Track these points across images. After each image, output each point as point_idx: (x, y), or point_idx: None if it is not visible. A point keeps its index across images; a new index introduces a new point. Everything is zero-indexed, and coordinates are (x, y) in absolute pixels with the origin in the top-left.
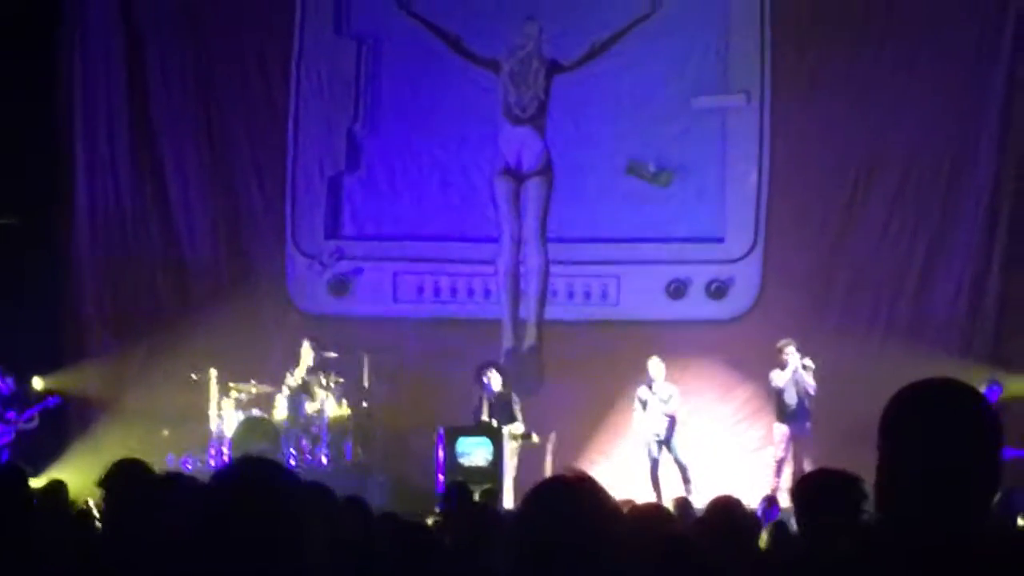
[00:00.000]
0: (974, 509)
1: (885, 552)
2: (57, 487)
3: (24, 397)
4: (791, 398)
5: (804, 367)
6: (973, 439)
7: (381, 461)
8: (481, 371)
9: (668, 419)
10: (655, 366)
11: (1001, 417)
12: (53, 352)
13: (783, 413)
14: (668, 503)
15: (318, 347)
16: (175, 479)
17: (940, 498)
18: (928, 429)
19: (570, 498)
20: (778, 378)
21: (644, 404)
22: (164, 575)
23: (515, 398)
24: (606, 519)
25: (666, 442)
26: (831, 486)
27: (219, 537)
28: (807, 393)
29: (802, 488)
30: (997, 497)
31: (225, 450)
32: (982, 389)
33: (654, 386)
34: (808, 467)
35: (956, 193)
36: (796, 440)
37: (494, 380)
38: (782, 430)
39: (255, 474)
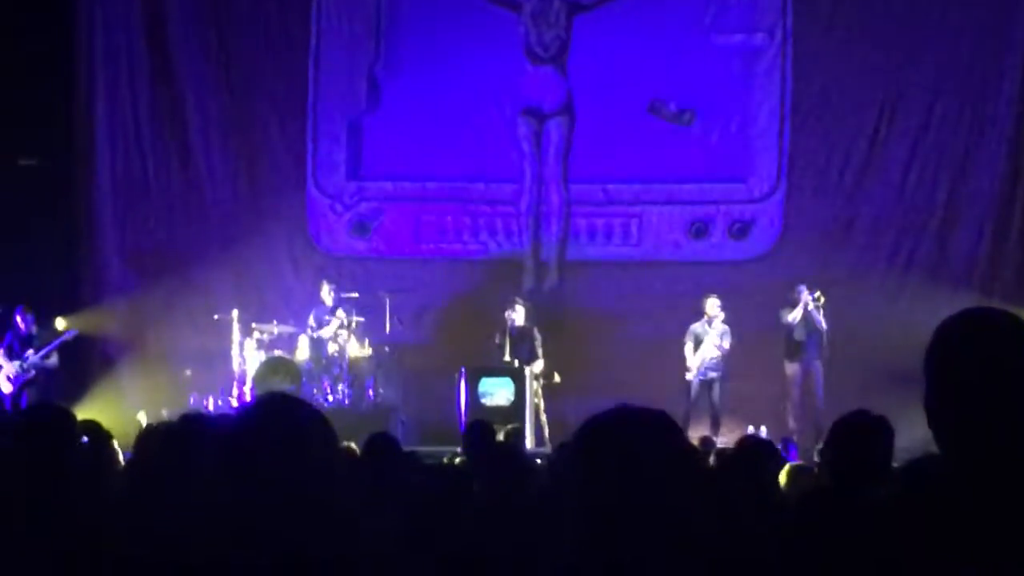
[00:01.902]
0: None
1: (949, 487)
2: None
3: (43, 336)
4: (800, 335)
5: (815, 304)
6: (1019, 367)
7: (403, 401)
8: (506, 305)
9: (722, 357)
10: (712, 304)
11: None
12: (75, 292)
13: (791, 351)
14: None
15: (337, 288)
16: (198, 419)
17: (994, 431)
18: (983, 357)
19: (642, 433)
20: (787, 315)
21: (698, 340)
22: (193, 510)
23: (537, 334)
24: (682, 456)
25: (718, 381)
26: (864, 428)
27: (245, 471)
28: (817, 330)
29: (834, 431)
30: None
31: (247, 390)
32: None
33: (713, 323)
34: (820, 405)
35: (978, 134)
36: (806, 377)
37: (518, 314)
38: (792, 368)
39: (280, 409)
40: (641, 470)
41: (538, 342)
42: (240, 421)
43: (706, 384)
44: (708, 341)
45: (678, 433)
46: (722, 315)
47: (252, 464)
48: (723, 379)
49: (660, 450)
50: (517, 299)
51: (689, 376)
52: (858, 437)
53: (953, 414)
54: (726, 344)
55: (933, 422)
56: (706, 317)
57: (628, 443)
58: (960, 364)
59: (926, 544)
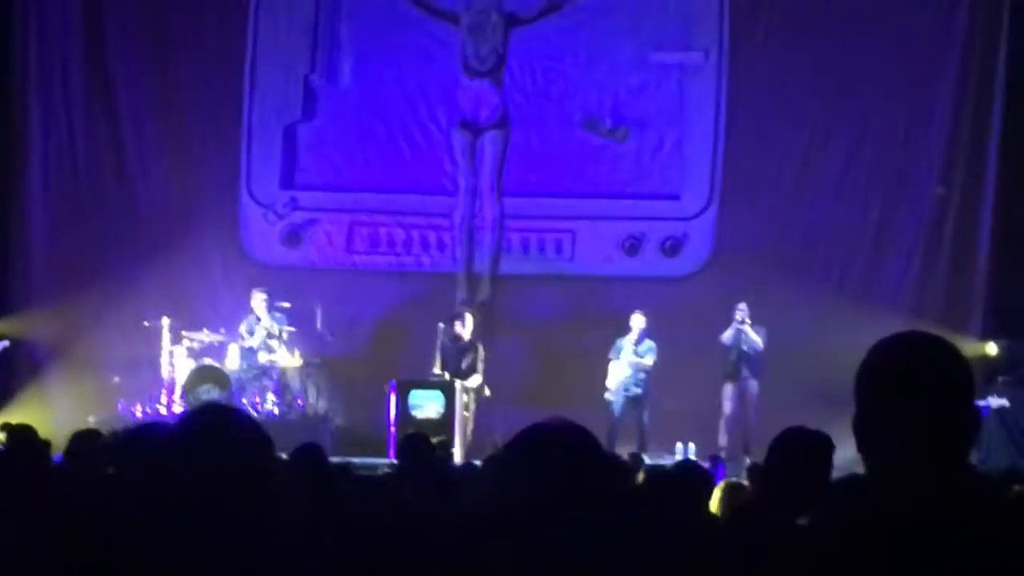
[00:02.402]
0: (956, 462)
1: (874, 511)
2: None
3: None
4: (734, 354)
5: (747, 326)
6: (952, 392)
7: (332, 412)
8: (454, 316)
9: (643, 374)
10: (636, 319)
11: None
12: (3, 298)
13: (726, 370)
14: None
15: (269, 297)
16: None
17: (922, 453)
18: (908, 383)
19: (561, 445)
20: (723, 336)
21: (618, 353)
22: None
23: (480, 349)
24: (598, 468)
25: (639, 399)
26: (800, 446)
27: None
28: (748, 352)
29: (772, 448)
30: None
31: (176, 398)
32: None
33: (632, 337)
34: (752, 424)
35: (911, 157)
36: (741, 398)
37: (467, 326)
38: (728, 387)
39: (217, 420)
40: (560, 485)
41: (480, 357)
42: (180, 430)
43: (631, 400)
44: (625, 356)
45: (597, 449)
46: (643, 329)
47: (192, 473)
48: (647, 396)
49: (579, 466)
50: (467, 310)
51: (608, 395)
52: (799, 453)
53: (880, 438)
54: (645, 361)
55: (861, 445)
56: (634, 333)
57: (548, 458)
58: (888, 388)
59: (851, 567)
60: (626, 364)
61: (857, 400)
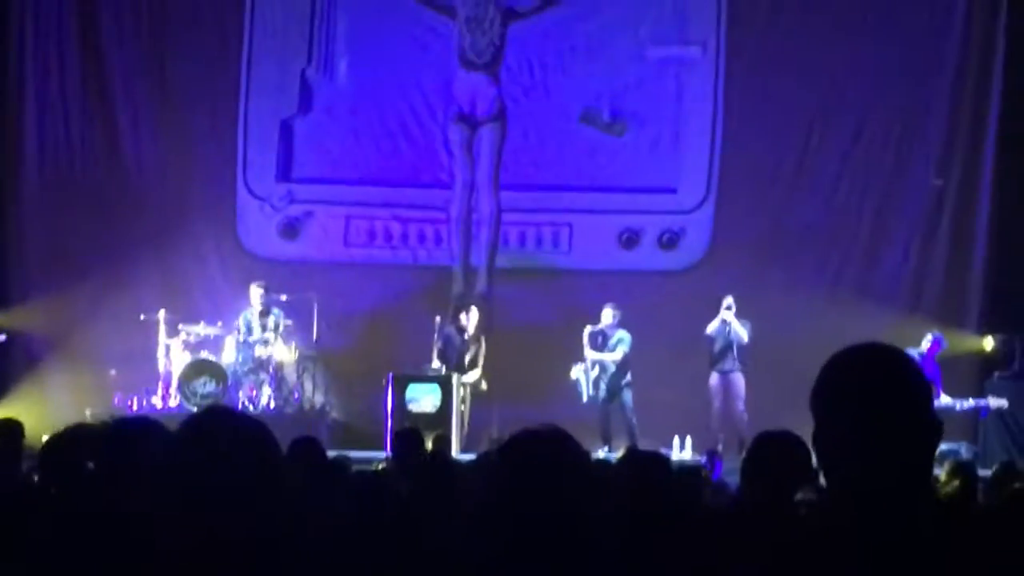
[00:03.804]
0: (912, 472)
1: (825, 525)
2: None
3: None
4: (718, 345)
5: (731, 314)
6: (902, 402)
7: (329, 405)
8: (461, 307)
9: (613, 368)
10: (606, 312)
11: (944, 370)
12: (1, 290)
13: (711, 361)
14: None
15: (267, 291)
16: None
17: (875, 465)
18: (857, 396)
19: (546, 451)
20: (709, 327)
21: (586, 344)
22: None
23: (483, 343)
24: (582, 473)
25: (613, 393)
26: (777, 449)
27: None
28: (733, 343)
29: (749, 450)
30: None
31: (173, 391)
32: (925, 342)
33: (601, 328)
34: (742, 416)
35: (907, 151)
36: (726, 388)
37: (472, 319)
38: (713, 378)
39: (224, 419)
40: (545, 489)
41: (482, 351)
42: (186, 431)
43: (606, 395)
44: (593, 348)
45: (579, 454)
46: (612, 321)
47: (198, 472)
48: (623, 389)
49: (562, 472)
50: (473, 303)
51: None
52: (771, 454)
53: (837, 452)
54: (615, 354)
55: (820, 459)
56: (597, 327)
57: (531, 466)
58: (842, 402)
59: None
60: (589, 362)
61: (814, 415)
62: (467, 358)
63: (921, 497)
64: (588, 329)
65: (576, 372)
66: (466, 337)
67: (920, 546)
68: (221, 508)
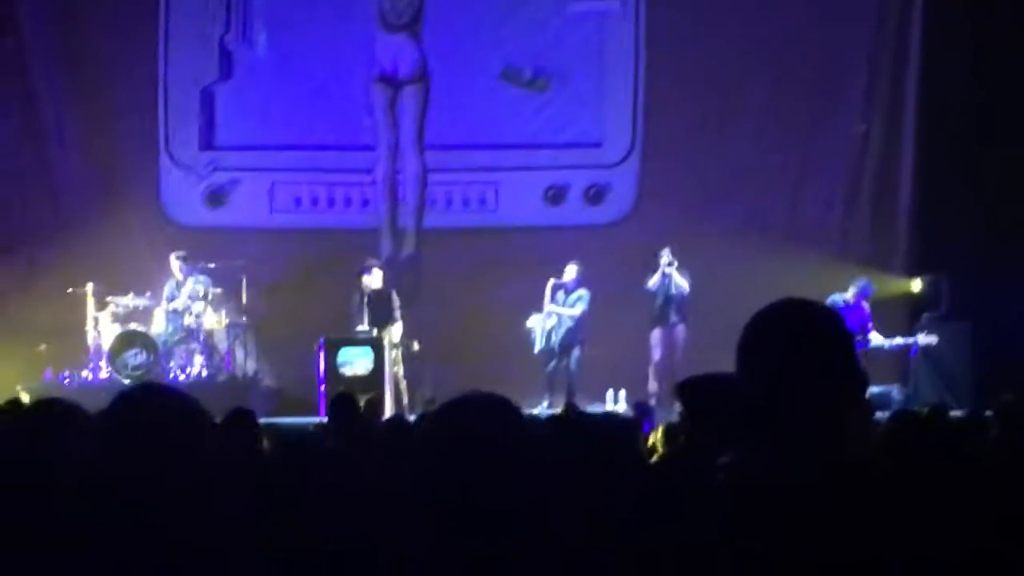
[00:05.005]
0: (831, 425)
1: (750, 482)
2: None
3: None
4: (659, 299)
5: (671, 268)
6: (821, 356)
7: (261, 372)
8: (362, 271)
9: (570, 323)
10: (569, 269)
11: (874, 314)
12: None
13: (652, 316)
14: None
15: (186, 260)
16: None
17: (794, 421)
18: (776, 353)
19: (487, 415)
20: (649, 282)
21: (547, 297)
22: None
23: (395, 297)
24: (521, 436)
25: (565, 348)
26: (712, 391)
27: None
28: (675, 296)
29: (683, 392)
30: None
31: (103, 364)
32: (854, 288)
33: (563, 284)
34: (680, 368)
35: (829, 99)
36: (669, 341)
37: (374, 277)
38: (655, 333)
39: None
40: (484, 455)
41: (396, 305)
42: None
43: (556, 349)
44: (546, 307)
45: (517, 419)
46: (574, 277)
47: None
48: (574, 345)
49: (503, 438)
50: (372, 263)
51: (533, 340)
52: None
53: (759, 410)
54: (574, 310)
55: (744, 417)
56: (560, 281)
57: (472, 431)
58: (763, 358)
59: (734, 531)
60: (545, 313)
61: (738, 373)
62: (382, 317)
63: (836, 453)
64: (551, 282)
65: (532, 322)
66: (372, 299)
67: (834, 505)
68: (150, 489)
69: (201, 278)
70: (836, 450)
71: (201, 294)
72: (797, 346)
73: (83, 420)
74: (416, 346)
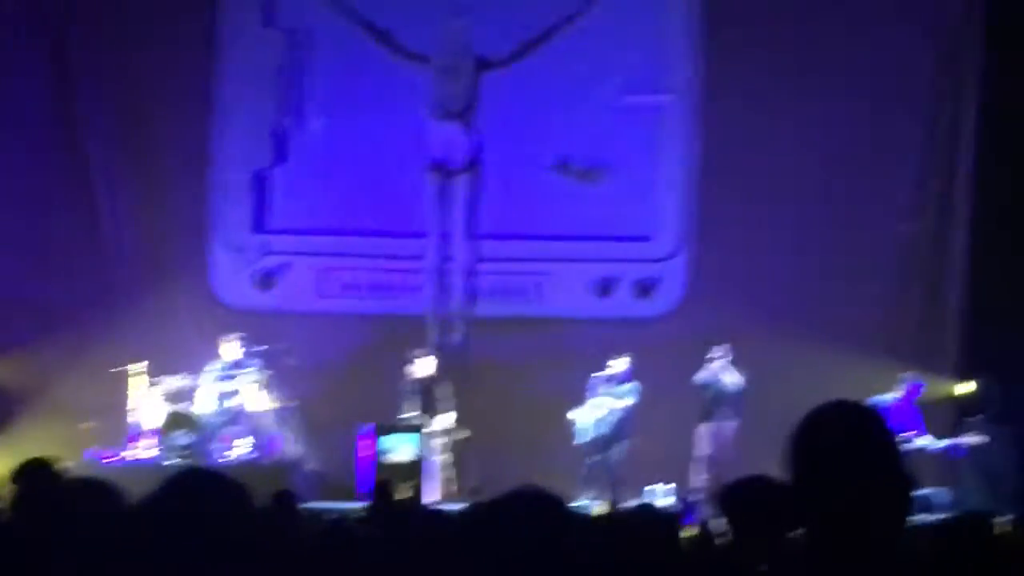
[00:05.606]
0: (884, 526)
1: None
2: None
3: None
4: (708, 395)
5: (723, 363)
6: (871, 459)
7: (305, 456)
8: (412, 357)
9: (619, 415)
10: (621, 361)
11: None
12: None
13: (701, 411)
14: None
15: (243, 343)
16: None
17: (845, 522)
18: (826, 456)
19: (536, 510)
20: (697, 376)
21: (593, 391)
22: None
23: (446, 385)
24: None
25: (610, 440)
26: (759, 496)
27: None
28: (728, 391)
29: (729, 496)
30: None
31: (146, 443)
32: (904, 385)
33: (615, 375)
34: (727, 469)
35: (878, 197)
36: (717, 439)
37: (425, 365)
38: (700, 429)
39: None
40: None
41: (448, 393)
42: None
43: (601, 440)
44: (603, 396)
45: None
46: (626, 369)
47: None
48: (617, 438)
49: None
50: (416, 353)
51: (577, 429)
52: (747, 505)
53: (811, 510)
54: (627, 401)
55: (797, 516)
56: (615, 375)
57: (520, 532)
58: (813, 463)
59: None
60: (597, 403)
61: (789, 474)
62: (430, 404)
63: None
64: (598, 375)
65: (575, 415)
66: (422, 385)
67: None
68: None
69: (252, 361)
70: (886, 563)
71: (250, 377)
72: (846, 453)
73: (119, 501)
74: (464, 434)
